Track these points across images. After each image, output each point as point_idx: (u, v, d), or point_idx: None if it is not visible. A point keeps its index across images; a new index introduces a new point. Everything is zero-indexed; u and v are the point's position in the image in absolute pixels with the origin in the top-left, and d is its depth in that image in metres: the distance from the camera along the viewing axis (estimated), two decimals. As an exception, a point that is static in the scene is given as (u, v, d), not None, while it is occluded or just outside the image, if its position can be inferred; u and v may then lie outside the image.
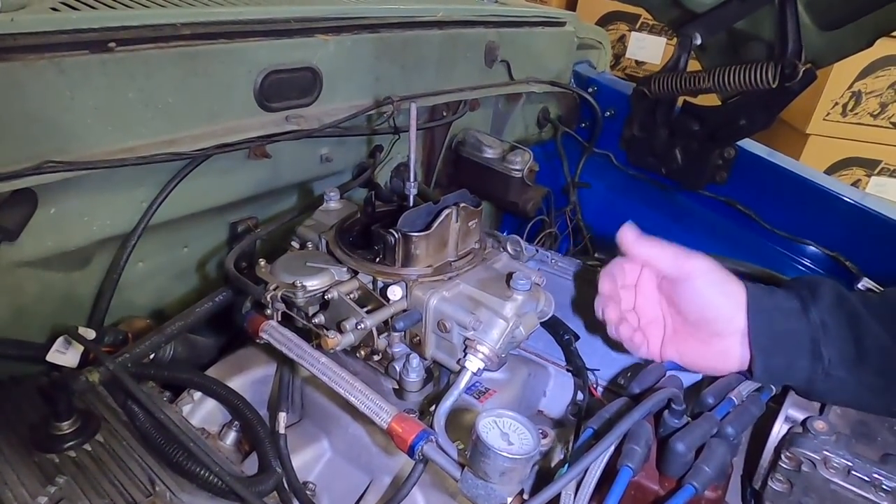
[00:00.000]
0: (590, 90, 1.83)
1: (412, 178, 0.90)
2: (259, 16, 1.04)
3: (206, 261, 1.25)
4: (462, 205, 0.86)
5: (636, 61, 3.54)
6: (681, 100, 1.67)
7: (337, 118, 1.16)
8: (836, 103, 3.25)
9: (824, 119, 3.27)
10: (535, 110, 1.86)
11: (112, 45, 0.85)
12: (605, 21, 3.49)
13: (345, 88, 1.20)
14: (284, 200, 1.32)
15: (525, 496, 0.67)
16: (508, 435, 0.64)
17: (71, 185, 0.90)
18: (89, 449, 0.78)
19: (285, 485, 0.83)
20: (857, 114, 3.27)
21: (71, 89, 0.84)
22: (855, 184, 3.40)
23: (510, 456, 0.62)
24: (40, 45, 0.80)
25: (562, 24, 1.74)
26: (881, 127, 3.29)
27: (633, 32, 3.49)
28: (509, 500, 0.65)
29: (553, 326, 1.03)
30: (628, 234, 0.80)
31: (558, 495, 0.66)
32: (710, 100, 1.64)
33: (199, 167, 1.06)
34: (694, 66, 1.62)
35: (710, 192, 1.59)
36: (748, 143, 1.54)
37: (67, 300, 1.04)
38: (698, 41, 1.60)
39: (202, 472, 0.75)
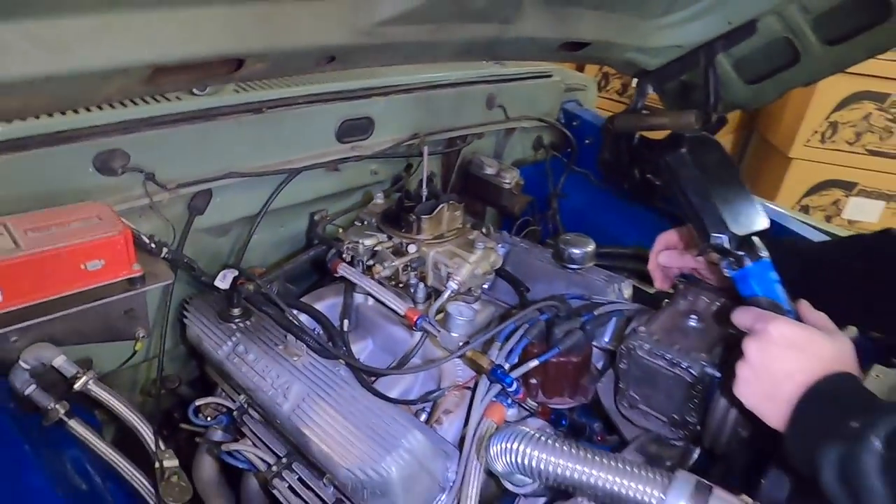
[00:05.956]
0: (574, 123, 2.27)
1: (424, 187, 1.53)
2: (340, 87, 1.68)
3: (294, 236, 1.83)
4: (451, 202, 1.50)
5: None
6: (640, 130, 2.14)
7: (383, 147, 1.77)
8: (816, 131, 3.51)
9: (805, 145, 3.52)
10: (531, 138, 2.27)
11: (263, 108, 1.51)
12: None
13: (389, 128, 1.79)
14: (347, 199, 1.92)
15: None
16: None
17: (229, 185, 1.56)
18: (248, 324, 1.43)
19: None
20: (834, 141, 3.51)
21: (240, 132, 1.50)
22: (835, 203, 3.65)
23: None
24: (231, 111, 1.47)
25: (549, 76, 2.26)
26: (857, 153, 3.51)
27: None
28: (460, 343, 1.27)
29: (513, 281, 1.65)
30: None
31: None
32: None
33: (297, 176, 1.68)
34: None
35: (662, 203, 1.91)
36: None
37: (216, 255, 1.67)
38: (650, 91, 2.12)
39: (307, 338, 1.39)
